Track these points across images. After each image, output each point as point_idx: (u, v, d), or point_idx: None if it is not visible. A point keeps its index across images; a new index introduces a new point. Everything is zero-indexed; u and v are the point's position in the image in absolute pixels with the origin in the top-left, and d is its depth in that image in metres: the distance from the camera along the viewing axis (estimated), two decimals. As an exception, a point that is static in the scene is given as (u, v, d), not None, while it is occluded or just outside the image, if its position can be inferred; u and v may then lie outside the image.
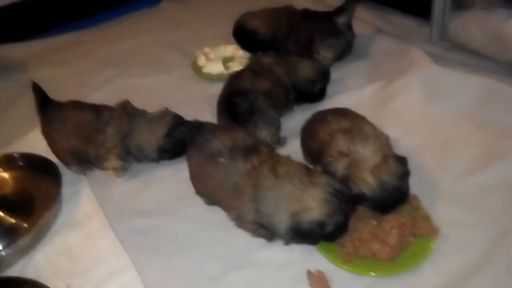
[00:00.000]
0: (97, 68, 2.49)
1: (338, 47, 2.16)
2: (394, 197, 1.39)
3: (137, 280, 1.41)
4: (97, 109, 1.76)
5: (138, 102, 1.85)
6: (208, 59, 2.33)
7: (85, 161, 1.76)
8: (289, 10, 2.29)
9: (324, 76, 1.96)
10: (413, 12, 2.40)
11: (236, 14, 2.36)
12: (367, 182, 1.37)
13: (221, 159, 1.44)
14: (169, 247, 1.51)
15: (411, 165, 1.43)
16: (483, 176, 1.56)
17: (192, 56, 2.41)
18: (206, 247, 1.50)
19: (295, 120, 1.87)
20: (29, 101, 1.84)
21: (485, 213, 1.45)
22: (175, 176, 1.73)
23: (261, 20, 2.28)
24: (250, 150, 1.44)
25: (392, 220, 1.37)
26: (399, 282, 1.30)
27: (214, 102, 1.89)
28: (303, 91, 1.92)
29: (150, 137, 1.73)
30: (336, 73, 2.12)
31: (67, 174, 1.79)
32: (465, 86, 1.85)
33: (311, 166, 1.51)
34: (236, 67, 2.21)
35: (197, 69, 2.32)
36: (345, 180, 1.40)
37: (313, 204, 1.30)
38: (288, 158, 1.45)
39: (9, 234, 1.59)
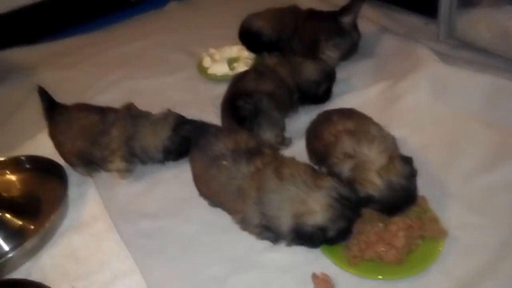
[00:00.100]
0: (103, 71, 2.50)
1: (344, 46, 2.14)
2: (403, 198, 1.37)
3: (141, 282, 1.41)
4: (103, 111, 1.76)
5: (144, 104, 1.85)
6: (213, 60, 2.33)
7: (91, 163, 1.77)
8: (294, 10, 2.28)
9: (329, 77, 1.94)
10: (420, 10, 2.37)
11: (242, 15, 2.35)
12: (374, 184, 1.35)
13: (224, 162, 1.44)
14: (174, 249, 1.51)
15: (418, 165, 1.41)
16: (491, 176, 1.54)
17: (197, 57, 2.41)
18: (210, 249, 1.49)
19: (300, 121, 1.86)
20: (36, 104, 1.85)
21: (494, 214, 1.42)
22: (179, 178, 1.72)
23: (266, 21, 2.27)
24: (253, 153, 1.44)
25: (399, 222, 1.35)
26: (406, 286, 1.28)
27: (219, 103, 1.88)
28: (307, 92, 1.90)
29: (155, 139, 1.74)
30: (341, 72, 2.10)
31: (73, 176, 1.80)
32: (473, 85, 1.82)
33: (316, 167, 1.50)
34: (241, 67, 2.20)
35: (202, 70, 2.32)
36: (350, 182, 1.38)
37: (316, 208, 1.29)
38: (292, 160, 1.44)
39: (16, 236, 1.60)
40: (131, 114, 1.76)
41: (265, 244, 1.45)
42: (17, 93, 2.41)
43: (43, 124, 1.85)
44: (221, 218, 1.52)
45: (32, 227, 1.62)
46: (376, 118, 1.58)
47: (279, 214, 1.34)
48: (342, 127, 1.49)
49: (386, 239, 1.32)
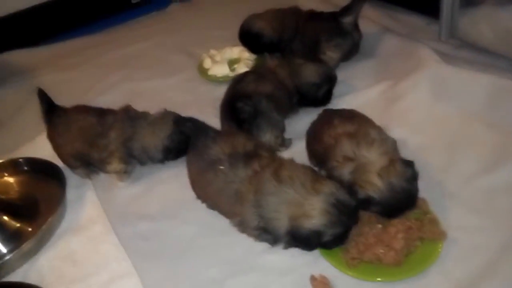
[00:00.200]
0: (104, 72, 2.50)
1: (345, 47, 2.13)
2: (404, 200, 1.36)
3: (139, 285, 1.40)
4: (101, 113, 1.76)
5: (144, 105, 1.85)
6: (214, 61, 2.33)
7: (89, 165, 1.77)
8: (295, 11, 2.27)
9: (329, 80, 1.92)
10: (421, 10, 2.36)
11: (243, 16, 2.35)
12: (375, 185, 1.33)
13: (221, 167, 1.43)
14: (172, 251, 1.50)
15: (419, 166, 1.40)
16: (492, 177, 1.52)
17: (198, 58, 2.41)
18: (208, 251, 1.48)
19: (300, 122, 1.84)
20: (37, 106, 1.85)
21: (494, 216, 1.41)
22: (178, 180, 1.71)
23: (267, 22, 2.27)
24: (250, 156, 1.43)
25: (398, 224, 1.33)
26: (405, 288, 1.27)
27: (219, 104, 1.87)
28: (307, 94, 1.89)
29: (154, 138, 1.74)
30: (342, 73, 2.09)
31: (72, 178, 1.79)
32: (475, 85, 1.81)
33: (316, 169, 1.49)
34: (241, 69, 2.20)
35: (203, 71, 2.31)
36: (351, 186, 1.37)
37: (313, 212, 1.28)
38: (292, 162, 1.42)
39: (14, 238, 1.59)
40: (129, 116, 1.75)
41: (264, 246, 1.43)
42: (18, 95, 2.41)
43: (43, 126, 1.84)
44: (219, 220, 1.51)
45: (30, 229, 1.62)
46: (377, 119, 1.57)
47: (276, 216, 1.33)
48: (342, 130, 1.48)
49: (385, 241, 1.31)
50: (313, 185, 1.31)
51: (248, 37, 2.32)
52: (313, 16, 2.21)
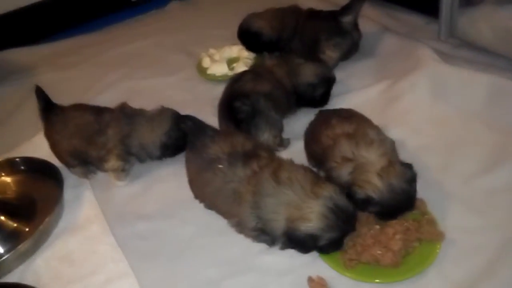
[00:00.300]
0: (103, 71, 2.50)
1: (344, 46, 2.12)
2: (403, 201, 1.35)
3: (136, 285, 1.40)
4: (98, 111, 1.76)
5: (143, 104, 1.84)
6: (213, 60, 2.32)
7: (86, 163, 1.77)
8: (294, 10, 2.26)
9: (326, 81, 1.90)
10: (421, 9, 2.35)
11: (242, 15, 2.35)
12: (375, 185, 1.32)
13: (220, 166, 1.42)
14: (169, 251, 1.50)
15: (418, 166, 1.39)
16: (491, 178, 1.51)
17: (197, 57, 2.40)
18: (206, 251, 1.48)
19: (298, 122, 1.84)
20: (35, 105, 1.84)
21: (493, 217, 1.40)
22: (176, 179, 1.71)
23: (266, 21, 2.26)
24: (249, 156, 1.42)
25: (396, 225, 1.33)
26: (403, 289, 1.26)
27: (217, 103, 1.87)
28: (304, 95, 1.88)
29: (152, 135, 1.74)
30: (342, 72, 2.09)
31: (69, 178, 1.79)
32: (474, 85, 1.80)
33: (314, 169, 1.48)
34: (240, 68, 2.19)
35: (201, 70, 2.31)
36: (349, 186, 1.36)
37: (310, 216, 1.27)
38: (291, 163, 1.42)
39: (11, 238, 1.59)
40: (125, 113, 1.75)
41: (261, 247, 1.43)
42: (17, 93, 2.41)
43: (41, 125, 1.83)
44: (217, 220, 1.50)
45: (27, 229, 1.61)
46: (376, 118, 1.57)
47: (274, 217, 1.33)
48: (340, 131, 1.47)
49: (383, 242, 1.30)
50: (313, 188, 1.30)
51: (247, 36, 2.31)
52: (313, 15, 2.20)
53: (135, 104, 1.82)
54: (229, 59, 2.33)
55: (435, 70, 1.90)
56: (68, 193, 1.73)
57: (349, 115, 1.56)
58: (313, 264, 1.36)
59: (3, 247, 1.57)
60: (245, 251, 1.44)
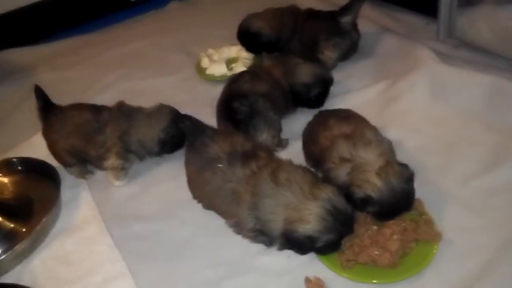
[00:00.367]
0: (102, 71, 2.50)
1: (343, 47, 2.12)
2: (402, 200, 1.34)
3: (133, 286, 1.39)
4: (97, 110, 1.76)
5: (142, 104, 1.84)
6: (211, 60, 2.32)
7: (85, 161, 1.78)
8: (293, 10, 2.26)
9: (322, 82, 1.89)
10: (420, 10, 2.35)
11: (241, 15, 2.34)
12: (374, 184, 1.32)
13: (219, 165, 1.42)
14: (167, 252, 1.49)
15: (416, 166, 1.39)
16: (490, 178, 1.51)
17: (196, 57, 2.40)
18: (204, 252, 1.47)
19: (297, 122, 1.83)
20: (34, 105, 1.84)
21: (491, 217, 1.40)
22: (174, 180, 1.71)
23: (265, 21, 2.26)
24: (249, 156, 1.42)
25: (393, 226, 1.33)
26: (400, 290, 1.26)
27: (216, 103, 1.86)
28: (299, 95, 1.87)
29: (151, 131, 1.74)
30: (341, 72, 2.09)
31: (67, 178, 1.79)
32: (473, 85, 1.79)
33: (313, 170, 1.48)
34: (239, 68, 2.19)
35: (200, 70, 2.31)
36: (347, 187, 1.35)
37: (308, 218, 1.27)
38: (290, 164, 1.41)
39: (7, 238, 1.59)
40: (123, 111, 1.76)
41: (259, 247, 1.43)
42: (16, 93, 2.41)
43: (40, 125, 1.83)
44: (215, 221, 1.50)
45: (24, 229, 1.61)
46: (375, 118, 1.57)
47: (273, 218, 1.32)
48: (338, 131, 1.46)
49: (380, 243, 1.30)
50: (311, 189, 1.30)
51: (247, 37, 2.31)
52: (312, 15, 2.19)
53: (134, 104, 1.82)
54: (228, 59, 2.33)
55: (434, 70, 1.89)
56: (65, 194, 1.73)
57: (347, 116, 1.55)
58: (311, 264, 1.36)
59: (0, 247, 1.56)
60: (243, 251, 1.44)
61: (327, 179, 1.40)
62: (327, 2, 2.53)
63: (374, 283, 1.27)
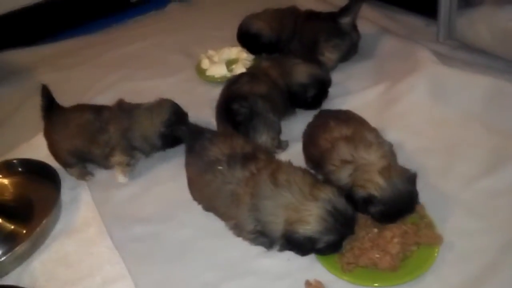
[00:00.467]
0: (103, 72, 2.50)
1: (343, 48, 2.12)
2: (405, 202, 1.33)
3: (132, 288, 1.40)
4: (98, 110, 1.78)
5: (142, 105, 1.84)
6: (212, 61, 2.32)
7: (88, 161, 1.79)
8: (293, 11, 2.26)
9: (319, 83, 1.88)
10: (419, 11, 2.35)
11: (241, 16, 2.35)
12: (377, 183, 1.31)
13: (220, 167, 1.42)
14: (166, 254, 1.49)
15: (416, 169, 1.38)
16: (491, 180, 1.50)
17: (196, 58, 2.40)
18: (203, 254, 1.47)
19: (297, 124, 1.82)
20: (35, 106, 1.84)
21: (492, 220, 1.39)
22: (174, 182, 1.70)
23: (265, 22, 2.26)
24: (248, 158, 1.42)
25: (394, 229, 1.32)
26: (401, 293, 1.25)
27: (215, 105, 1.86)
28: (295, 95, 1.87)
29: (152, 124, 1.76)
30: (340, 74, 2.09)
31: (67, 179, 1.79)
32: (473, 87, 1.79)
33: (313, 172, 1.48)
34: (239, 69, 2.19)
35: (200, 72, 2.31)
36: (350, 188, 1.35)
37: (309, 219, 1.27)
38: (290, 165, 1.41)
39: (8, 240, 1.59)
40: (123, 109, 1.77)
41: (259, 250, 1.43)
42: (17, 94, 2.42)
43: (41, 126, 1.83)
44: (215, 223, 1.50)
45: (24, 231, 1.61)
46: (375, 120, 1.57)
47: (273, 219, 1.32)
48: (338, 134, 1.46)
49: (381, 246, 1.30)
50: (311, 190, 1.30)
51: (247, 38, 2.31)
52: (312, 16, 2.19)
53: (134, 104, 1.82)
54: (228, 60, 2.33)
55: (434, 72, 1.89)
56: (65, 195, 1.73)
57: (347, 118, 1.55)
58: (311, 267, 1.35)
59: (0, 249, 1.56)
60: (243, 254, 1.43)
61: (327, 182, 1.40)
62: (327, 3, 2.53)
63: (375, 286, 1.26)
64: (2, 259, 1.48)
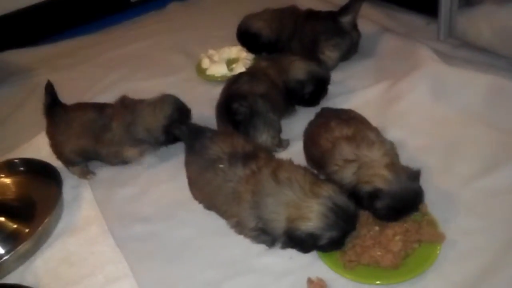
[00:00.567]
0: (103, 72, 2.50)
1: (343, 47, 2.12)
2: (411, 197, 1.33)
3: (135, 287, 1.40)
4: (100, 107, 1.79)
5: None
6: (212, 61, 2.32)
7: (93, 159, 1.80)
8: (293, 11, 2.26)
9: (316, 80, 1.88)
10: (420, 10, 2.35)
11: (241, 16, 2.35)
12: (383, 176, 1.31)
13: (221, 166, 1.43)
14: (168, 253, 1.50)
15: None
16: (492, 179, 1.50)
17: (196, 58, 2.40)
18: (205, 253, 1.47)
19: (298, 122, 1.83)
20: (35, 106, 1.85)
21: (494, 218, 1.39)
22: (175, 181, 1.71)
23: (265, 21, 2.26)
24: (249, 156, 1.42)
25: (395, 226, 1.33)
26: (403, 291, 1.26)
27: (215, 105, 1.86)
28: (293, 92, 1.87)
29: (156, 118, 1.76)
30: (341, 73, 2.09)
31: (69, 178, 1.79)
32: (474, 85, 1.79)
33: (314, 171, 1.48)
34: (239, 69, 2.19)
35: (201, 71, 2.31)
36: (354, 186, 1.35)
37: (310, 215, 1.27)
38: (290, 163, 1.42)
39: (10, 239, 1.59)
40: (126, 105, 1.78)
41: (260, 248, 1.43)
42: (17, 94, 2.42)
43: (41, 126, 1.84)
44: (216, 222, 1.50)
45: (27, 230, 1.62)
46: (376, 119, 1.57)
47: (275, 217, 1.33)
48: (339, 134, 1.46)
49: (383, 243, 1.30)
50: (312, 188, 1.30)
51: (246, 37, 2.31)
52: (312, 15, 2.19)
53: (135, 104, 1.82)
54: (228, 60, 2.34)
55: (435, 70, 1.89)
56: (67, 194, 1.73)
57: (348, 117, 1.54)
58: (313, 265, 1.36)
59: (3, 248, 1.57)
60: (245, 252, 1.44)
61: (330, 182, 1.39)
62: (327, 2, 2.53)
63: (377, 284, 1.27)
64: (5, 258, 1.49)
